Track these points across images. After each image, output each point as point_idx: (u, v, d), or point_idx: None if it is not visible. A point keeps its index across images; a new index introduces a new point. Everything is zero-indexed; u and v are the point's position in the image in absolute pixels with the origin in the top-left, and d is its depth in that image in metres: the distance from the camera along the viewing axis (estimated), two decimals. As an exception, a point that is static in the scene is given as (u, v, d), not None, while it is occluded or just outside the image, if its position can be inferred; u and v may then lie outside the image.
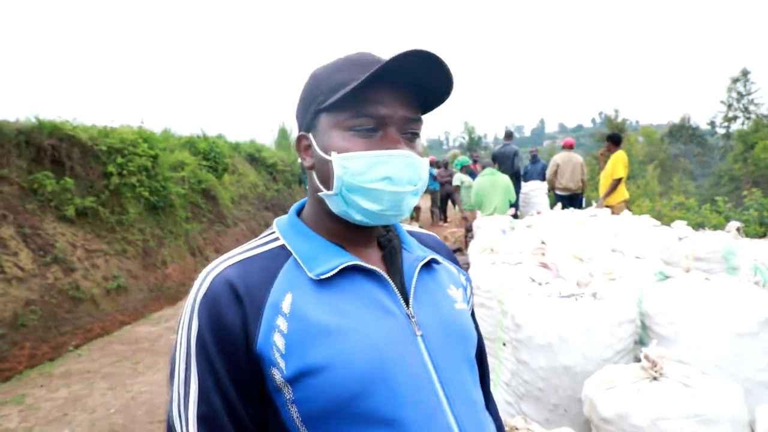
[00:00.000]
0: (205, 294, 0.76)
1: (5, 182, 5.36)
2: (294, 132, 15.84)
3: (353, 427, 0.74)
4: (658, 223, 4.72)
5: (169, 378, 0.77)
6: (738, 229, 3.75)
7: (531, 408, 2.44)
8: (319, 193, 0.84)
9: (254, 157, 13.39)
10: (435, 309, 0.88)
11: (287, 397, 0.74)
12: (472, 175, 10.52)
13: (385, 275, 0.85)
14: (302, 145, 0.88)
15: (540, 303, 2.47)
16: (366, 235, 0.89)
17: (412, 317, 0.83)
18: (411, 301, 0.85)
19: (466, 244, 7.08)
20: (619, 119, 37.04)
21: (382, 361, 0.76)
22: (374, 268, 0.83)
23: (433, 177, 13.87)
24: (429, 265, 0.95)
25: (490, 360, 3.63)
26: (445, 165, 14.13)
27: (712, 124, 34.90)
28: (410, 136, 0.83)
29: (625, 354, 2.36)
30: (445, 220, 13.58)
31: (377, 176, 0.78)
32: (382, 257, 0.91)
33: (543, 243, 4.32)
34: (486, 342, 3.49)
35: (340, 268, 0.80)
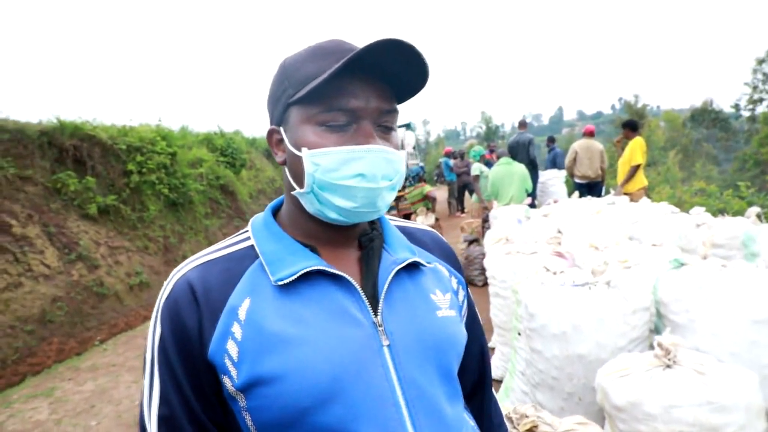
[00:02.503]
0: (168, 297, 0.75)
1: (30, 183, 5.51)
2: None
3: None
4: (677, 209, 4.66)
5: (142, 377, 0.77)
6: (758, 215, 3.67)
7: (545, 397, 2.45)
8: (293, 192, 0.80)
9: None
10: (410, 317, 0.81)
11: (241, 405, 0.72)
12: (488, 164, 10.44)
13: (352, 280, 0.78)
14: (274, 140, 0.85)
15: (553, 292, 2.47)
16: (344, 234, 0.84)
17: (380, 326, 0.77)
18: (381, 307, 0.79)
19: (483, 234, 7.05)
20: (640, 105, 36.40)
21: (339, 373, 0.71)
22: (340, 272, 0.78)
23: (449, 168, 13.75)
24: (412, 268, 0.87)
25: (505, 350, 3.64)
26: (461, 155, 13.78)
27: (737, 107, 33.99)
28: (385, 129, 0.78)
29: (640, 342, 2.35)
30: (462, 211, 13.48)
31: (350, 173, 0.73)
32: (359, 259, 0.85)
33: (559, 232, 4.30)
34: (501, 331, 3.51)
35: (300, 273, 0.75)
